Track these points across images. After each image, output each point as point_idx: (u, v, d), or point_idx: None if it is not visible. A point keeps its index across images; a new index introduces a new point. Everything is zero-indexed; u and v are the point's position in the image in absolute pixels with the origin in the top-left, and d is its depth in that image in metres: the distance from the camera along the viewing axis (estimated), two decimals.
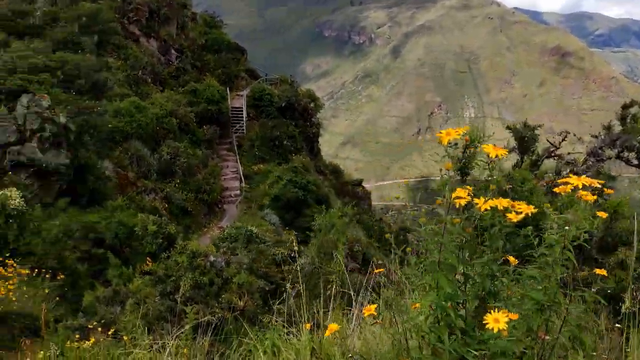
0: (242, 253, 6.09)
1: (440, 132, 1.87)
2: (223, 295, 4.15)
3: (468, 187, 1.97)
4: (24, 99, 16.51)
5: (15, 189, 13.10)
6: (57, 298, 11.60)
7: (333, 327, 2.23)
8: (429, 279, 1.84)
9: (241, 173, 28.26)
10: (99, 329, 4.55)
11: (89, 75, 23.38)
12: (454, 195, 1.93)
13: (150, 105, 24.62)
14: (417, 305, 2.23)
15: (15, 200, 12.57)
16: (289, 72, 53.30)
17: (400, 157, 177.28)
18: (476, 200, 1.93)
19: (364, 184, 41.07)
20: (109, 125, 21.64)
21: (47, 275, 11.77)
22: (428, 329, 1.84)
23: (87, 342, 3.06)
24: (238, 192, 27.90)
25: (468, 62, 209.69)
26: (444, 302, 1.80)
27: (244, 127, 31.55)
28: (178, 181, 23.72)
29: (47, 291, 11.24)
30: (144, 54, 29.22)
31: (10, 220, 12.37)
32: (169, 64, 31.67)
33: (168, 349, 3.01)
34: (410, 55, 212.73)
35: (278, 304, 4.28)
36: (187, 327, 3.29)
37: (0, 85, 19.69)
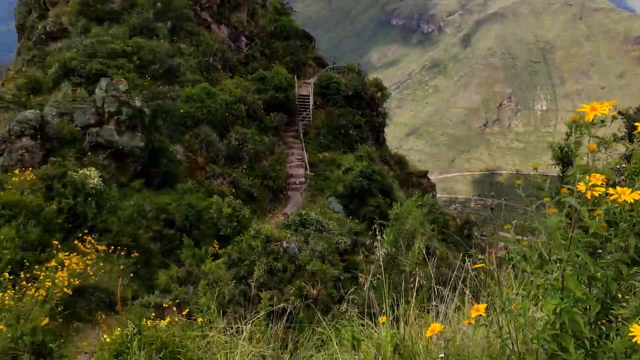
0: (314, 240, 5.96)
1: (583, 106, 1.60)
2: (296, 282, 4.05)
3: (600, 175, 1.70)
4: (103, 83, 17.19)
5: (94, 169, 13.66)
6: (131, 275, 12.03)
7: (436, 327, 2.03)
8: (552, 280, 1.60)
9: (306, 160, 28.32)
10: (174, 308, 4.54)
11: (163, 60, 24.10)
12: (582, 184, 1.67)
13: (220, 91, 25.05)
14: (517, 305, 2.00)
15: (94, 179, 13.11)
16: (355, 60, 52.84)
17: (465, 149, 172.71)
18: (611, 191, 1.67)
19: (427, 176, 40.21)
20: (181, 111, 22.24)
21: (122, 253, 12.23)
22: (549, 336, 1.61)
23: (162, 321, 3.04)
24: (303, 179, 28.01)
25: (542, 52, 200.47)
26: (571, 307, 1.56)
27: (311, 115, 31.56)
28: (245, 167, 24.07)
29: (122, 268, 11.68)
30: (214, 40, 29.74)
31: (89, 199, 12.92)
32: (238, 50, 32.10)
33: (244, 334, 2.91)
34: (480, 44, 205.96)
35: (350, 294, 4.12)
36: (261, 312, 3.19)
37: (81, 69, 20.66)
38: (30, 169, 13.26)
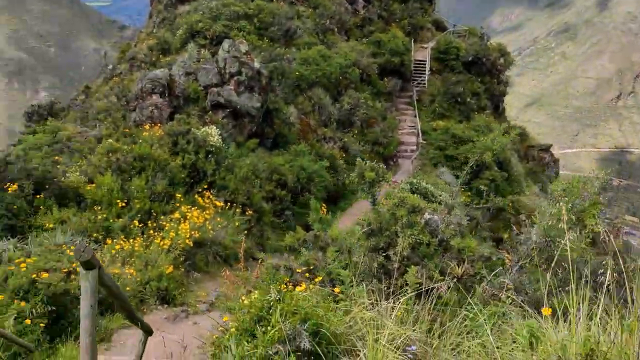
0: (458, 214, 5.60)
1: None
2: (439, 259, 3.84)
3: None
4: (225, 44, 17.71)
5: (214, 127, 14.23)
6: (245, 232, 12.49)
7: None
8: None
9: (419, 128, 27.52)
10: (307, 274, 4.49)
11: (282, 23, 24.36)
12: None
13: (335, 54, 24.90)
14: None
15: (214, 137, 13.66)
16: (475, 24, 49.90)
17: (592, 123, 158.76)
18: None
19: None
20: (296, 73, 22.44)
21: (237, 210, 12.70)
22: None
23: (297, 287, 2.97)
24: (414, 147, 27.32)
25: None
26: None
27: (426, 81, 30.49)
28: (356, 132, 23.93)
29: (237, 224, 12.14)
30: (332, 2, 29.47)
31: (209, 156, 13.50)
32: (355, 13, 31.57)
33: (394, 312, 2.73)
34: (619, 7, 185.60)
35: (500, 277, 3.80)
36: (409, 290, 2.98)
37: (206, 31, 21.47)
38: (158, 124, 14.11)
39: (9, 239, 9.20)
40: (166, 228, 10.40)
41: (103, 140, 12.50)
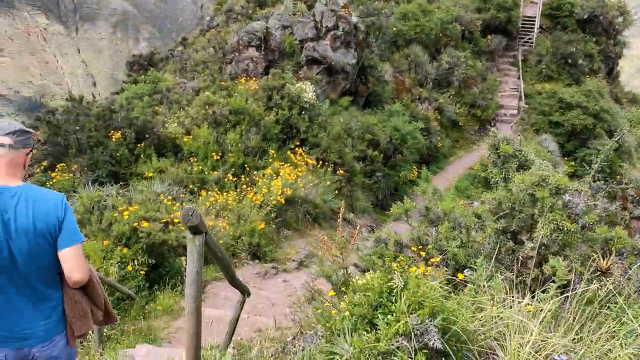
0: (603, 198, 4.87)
1: None
2: (581, 249, 3.31)
3: None
4: None
5: (309, 83, 13.91)
6: (336, 191, 12.25)
7: None
8: None
9: (522, 91, 25.72)
10: (421, 253, 4.08)
11: None
12: None
13: (437, 9, 23.53)
14: None
15: (309, 94, 13.36)
16: None
17: None
18: None
19: None
20: (394, 28, 21.48)
21: (328, 169, 12.45)
22: None
23: (411, 268, 2.59)
24: (515, 111, 25.66)
25: None
26: None
27: (533, 40, 28.24)
28: (453, 92, 22.73)
29: (328, 183, 11.90)
30: None
31: (303, 112, 13.26)
32: None
33: (543, 314, 2.27)
34: None
35: None
36: (554, 286, 2.51)
37: None
38: (253, 78, 14.01)
39: (112, 185, 9.55)
40: (259, 183, 10.36)
41: (200, 93, 12.60)
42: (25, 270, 2.31)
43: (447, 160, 21.95)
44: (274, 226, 9.85)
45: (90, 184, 9.33)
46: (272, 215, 9.89)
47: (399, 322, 2.25)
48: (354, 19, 17.30)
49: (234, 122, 11.82)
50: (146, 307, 6.35)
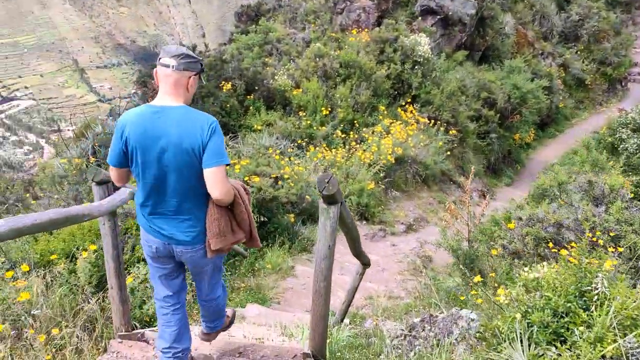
0: None
1: None
2: None
3: None
4: None
5: (424, 35, 12.98)
6: (448, 152, 11.49)
7: None
8: None
9: None
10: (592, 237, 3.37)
11: None
12: None
13: None
14: None
15: (423, 47, 12.47)
16: None
17: None
18: None
19: None
20: None
21: (441, 128, 11.67)
22: None
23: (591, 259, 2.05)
24: None
25: None
26: None
27: None
28: (581, 48, 20.51)
29: (440, 144, 11.17)
30: None
31: (416, 67, 12.44)
32: None
33: None
34: None
35: None
36: None
37: None
38: (365, 29, 13.32)
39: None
40: (368, 141, 9.87)
41: (311, 44, 12.16)
42: (177, 182, 2.57)
43: (568, 122, 20.06)
44: (382, 187, 9.39)
45: None
46: (381, 174, 9.41)
47: (605, 341, 1.71)
48: None
49: (344, 75, 11.31)
50: (255, 264, 6.22)
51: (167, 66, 2.53)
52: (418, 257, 7.62)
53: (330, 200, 2.35)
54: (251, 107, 10.50)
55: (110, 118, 10.83)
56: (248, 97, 10.64)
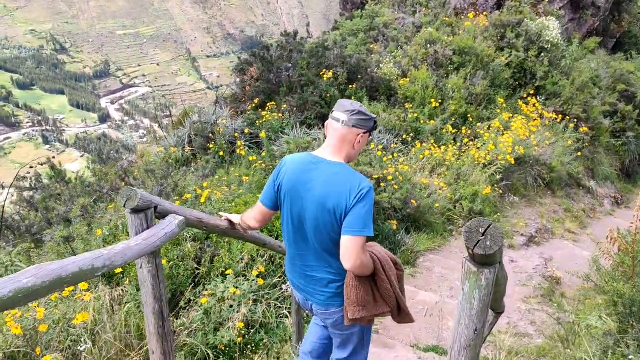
0: None
1: None
2: None
3: None
4: None
5: (554, 18, 11.38)
6: (578, 153, 9.95)
7: None
8: None
9: None
10: None
11: None
12: None
13: None
14: None
15: (553, 31, 10.92)
16: None
17: None
18: None
19: None
20: None
21: (570, 125, 10.14)
22: None
23: None
24: None
25: None
26: None
27: None
28: None
29: (569, 142, 9.68)
30: None
31: (542, 54, 10.94)
32: None
33: None
34: None
35: None
36: None
37: None
38: (483, 13, 11.96)
39: (320, 129, 8.80)
40: (484, 137, 8.67)
41: (422, 29, 11.07)
42: (314, 238, 2.48)
43: None
44: (499, 191, 8.18)
45: (298, 125, 8.70)
46: (498, 176, 8.20)
47: None
48: None
49: (457, 64, 10.13)
50: None
51: (338, 120, 2.46)
52: (543, 277, 6.41)
53: (486, 260, 1.46)
54: (353, 97, 9.67)
55: (208, 106, 10.52)
56: (350, 86, 9.82)
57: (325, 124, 2.56)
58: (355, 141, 2.48)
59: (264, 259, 4.12)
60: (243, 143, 8.67)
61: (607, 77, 12.51)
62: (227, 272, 3.65)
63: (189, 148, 9.39)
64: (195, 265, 3.81)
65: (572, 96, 10.67)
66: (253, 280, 3.69)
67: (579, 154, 10.00)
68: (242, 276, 3.85)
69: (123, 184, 8.26)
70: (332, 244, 2.45)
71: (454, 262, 6.35)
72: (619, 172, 12.55)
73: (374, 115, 2.56)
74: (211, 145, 8.99)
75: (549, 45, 10.93)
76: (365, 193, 2.35)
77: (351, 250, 2.33)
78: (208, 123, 9.61)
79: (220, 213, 3.17)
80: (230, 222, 3.03)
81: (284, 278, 4.14)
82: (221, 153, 8.74)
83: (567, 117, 10.31)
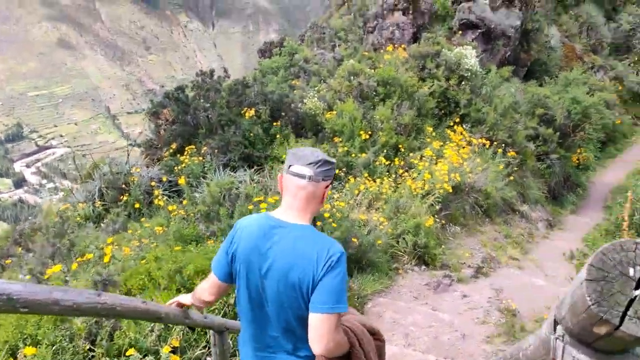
0: None
1: None
2: None
3: None
4: None
5: (470, 47, 11.51)
6: (510, 177, 9.83)
7: None
8: None
9: None
10: None
11: None
12: None
13: None
14: None
15: (470, 59, 10.99)
16: None
17: None
18: None
19: None
20: None
21: (499, 150, 10.06)
22: None
23: None
24: None
25: None
26: None
27: None
28: (634, 59, 18.73)
29: (500, 167, 9.53)
30: None
31: (463, 82, 10.95)
32: None
33: None
34: None
35: None
36: None
37: None
38: (402, 46, 11.94)
39: (246, 170, 8.12)
40: (419, 167, 8.31)
41: (344, 62, 10.81)
42: (276, 318, 2.11)
43: (627, 140, 18.14)
44: (440, 222, 7.76)
45: (221, 168, 7.97)
46: (437, 207, 7.80)
47: None
48: None
49: (383, 94, 9.87)
50: None
51: (302, 177, 2.12)
52: (499, 311, 5.92)
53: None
54: (278, 135, 9.10)
55: (119, 157, 9.58)
56: (274, 124, 9.26)
57: (280, 179, 2.19)
58: (324, 195, 2.17)
59: (180, 328, 3.30)
60: (161, 192, 7.82)
61: (525, 102, 12.77)
62: (128, 353, 2.78)
63: (99, 203, 8.38)
64: (89, 346, 2.93)
65: (497, 122, 10.67)
66: (166, 358, 2.86)
67: (511, 178, 9.89)
68: (153, 354, 3.00)
69: (19, 249, 7.12)
70: (298, 324, 2.07)
71: (404, 304, 5.74)
72: (547, 195, 12.67)
73: (334, 160, 2.23)
74: (125, 197, 8.08)
75: (469, 74, 10.98)
76: (337, 260, 1.98)
77: (322, 331, 1.95)
78: (121, 173, 8.69)
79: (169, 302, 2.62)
80: (181, 304, 2.56)
81: (207, 349, 3.33)
82: (137, 205, 7.83)
83: (495, 143, 10.24)
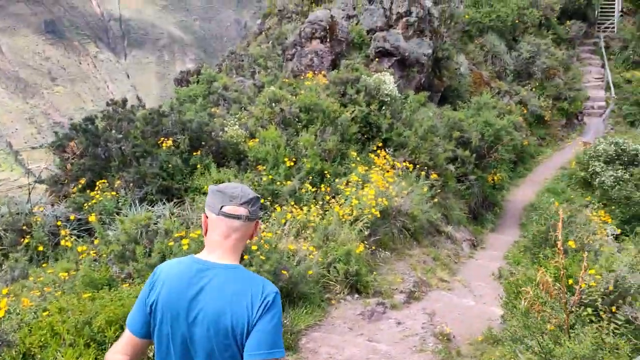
0: None
1: None
2: None
3: None
4: None
5: (388, 73, 11.72)
6: (434, 199, 9.95)
7: None
8: None
9: (610, 80, 22.80)
10: None
11: None
12: None
13: None
14: None
15: (389, 85, 11.18)
16: None
17: None
18: None
19: None
20: (466, 16, 19.09)
21: (422, 173, 10.18)
22: None
23: None
24: (602, 103, 22.88)
25: None
26: None
27: (615, 25, 25.40)
28: (535, 85, 20.08)
29: (425, 190, 9.62)
30: None
31: (383, 108, 11.08)
32: None
33: None
34: None
35: None
36: None
37: None
38: (321, 73, 11.95)
39: (165, 204, 7.59)
40: (346, 193, 8.17)
41: (265, 89, 10.60)
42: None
43: (534, 160, 19.31)
44: (371, 247, 7.62)
45: (137, 202, 7.40)
46: (366, 232, 7.67)
47: None
48: (428, 3, 15.07)
49: (305, 120, 9.73)
50: None
51: (238, 218, 1.94)
52: (434, 336, 5.79)
53: None
54: (199, 166, 8.65)
55: (20, 196, 8.70)
56: (194, 154, 8.80)
57: (204, 220, 2.02)
58: (255, 232, 2.09)
59: None
60: (68, 232, 7.11)
61: (442, 125, 13.15)
62: None
63: None
64: None
65: (418, 145, 10.85)
66: None
67: (435, 200, 10.01)
68: None
69: None
70: None
71: (338, 338, 5.46)
72: (468, 215, 13.02)
73: (260, 195, 2.13)
74: (27, 240, 7.27)
75: (389, 99, 11.14)
76: (272, 301, 1.89)
77: None
78: (21, 214, 7.85)
79: None
80: None
81: None
82: (40, 248, 7.06)
83: (418, 166, 10.37)
